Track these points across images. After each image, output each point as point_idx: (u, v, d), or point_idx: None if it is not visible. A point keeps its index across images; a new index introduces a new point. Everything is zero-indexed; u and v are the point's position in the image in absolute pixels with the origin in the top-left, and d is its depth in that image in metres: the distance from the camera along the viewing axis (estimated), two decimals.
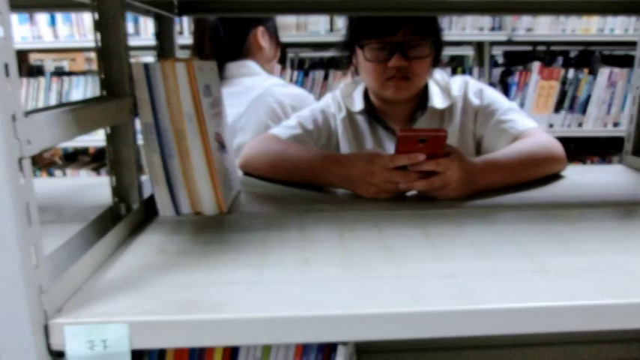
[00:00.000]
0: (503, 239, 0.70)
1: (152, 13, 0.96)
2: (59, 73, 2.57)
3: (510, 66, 2.69)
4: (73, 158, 2.87)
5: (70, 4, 0.90)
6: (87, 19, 2.44)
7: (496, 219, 0.79)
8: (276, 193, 0.98)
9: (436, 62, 1.18)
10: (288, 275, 0.59)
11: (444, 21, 2.45)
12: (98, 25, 0.71)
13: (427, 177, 0.86)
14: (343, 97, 1.23)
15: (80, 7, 0.97)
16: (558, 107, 2.46)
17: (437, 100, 1.19)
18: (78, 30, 2.47)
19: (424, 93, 1.20)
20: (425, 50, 1.10)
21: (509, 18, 2.42)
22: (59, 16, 2.33)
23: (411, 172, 0.86)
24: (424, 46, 1.10)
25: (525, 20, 2.44)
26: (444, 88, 1.22)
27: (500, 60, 3.64)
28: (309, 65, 2.96)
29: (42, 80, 2.45)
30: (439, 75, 1.24)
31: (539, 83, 2.43)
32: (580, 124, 2.48)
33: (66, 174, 2.56)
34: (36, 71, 2.53)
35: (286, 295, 0.54)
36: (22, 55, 2.66)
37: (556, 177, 1.05)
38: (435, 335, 0.52)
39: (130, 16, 2.46)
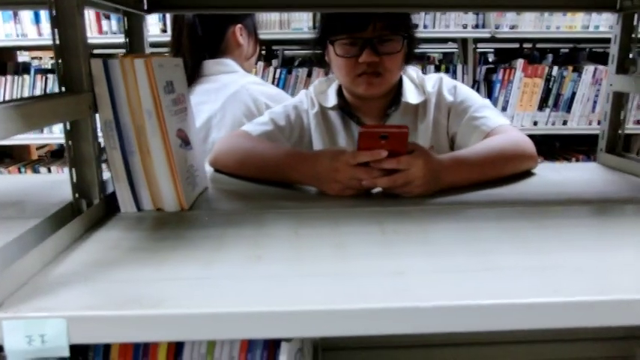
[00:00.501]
0: (462, 237, 0.69)
1: (121, 10, 0.96)
2: (45, 70, 2.56)
3: (499, 64, 2.69)
4: (60, 155, 2.86)
5: (28, 1, 0.90)
6: None
7: (459, 216, 0.79)
8: (243, 190, 0.98)
9: (409, 58, 1.17)
10: (236, 271, 0.59)
11: (428, 18, 2.44)
12: (56, 22, 0.71)
13: (390, 174, 0.86)
14: (317, 93, 1.23)
15: (38, 4, 0.97)
16: (542, 105, 2.46)
17: (410, 96, 1.18)
18: None
19: (398, 89, 1.20)
20: (396, 46, 1.10)
21: (492, 15, 2.40)
22: (43, 14, 2.32)
23: (374, 169, 0.85)
24: (395, 42, 1.09)
25: (509, 17, 2.43)
26: (419, 85, 1.21)
27: (492, 58, 3.64)
28: (292, 62, 2.95)
29: (27, 78, 2.44)
30: (414, 72, 1.24)
31: (523, 81, 2.42)
32: (565, 122, 2.47)
33: (51, 171, 2.56)
34: (22, 69, 2.52)
35: (232, 290, 0.54)
36: (7, 53, 2.65)
37: (528, 174, 1.04)
38: (377, 332, 0.51)
39: (113, 16, 2.46)
